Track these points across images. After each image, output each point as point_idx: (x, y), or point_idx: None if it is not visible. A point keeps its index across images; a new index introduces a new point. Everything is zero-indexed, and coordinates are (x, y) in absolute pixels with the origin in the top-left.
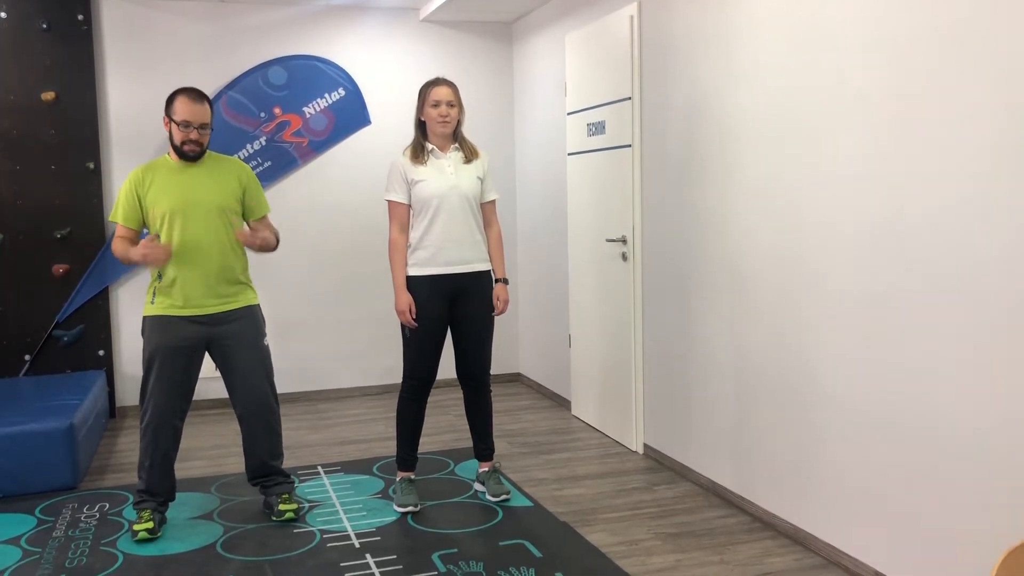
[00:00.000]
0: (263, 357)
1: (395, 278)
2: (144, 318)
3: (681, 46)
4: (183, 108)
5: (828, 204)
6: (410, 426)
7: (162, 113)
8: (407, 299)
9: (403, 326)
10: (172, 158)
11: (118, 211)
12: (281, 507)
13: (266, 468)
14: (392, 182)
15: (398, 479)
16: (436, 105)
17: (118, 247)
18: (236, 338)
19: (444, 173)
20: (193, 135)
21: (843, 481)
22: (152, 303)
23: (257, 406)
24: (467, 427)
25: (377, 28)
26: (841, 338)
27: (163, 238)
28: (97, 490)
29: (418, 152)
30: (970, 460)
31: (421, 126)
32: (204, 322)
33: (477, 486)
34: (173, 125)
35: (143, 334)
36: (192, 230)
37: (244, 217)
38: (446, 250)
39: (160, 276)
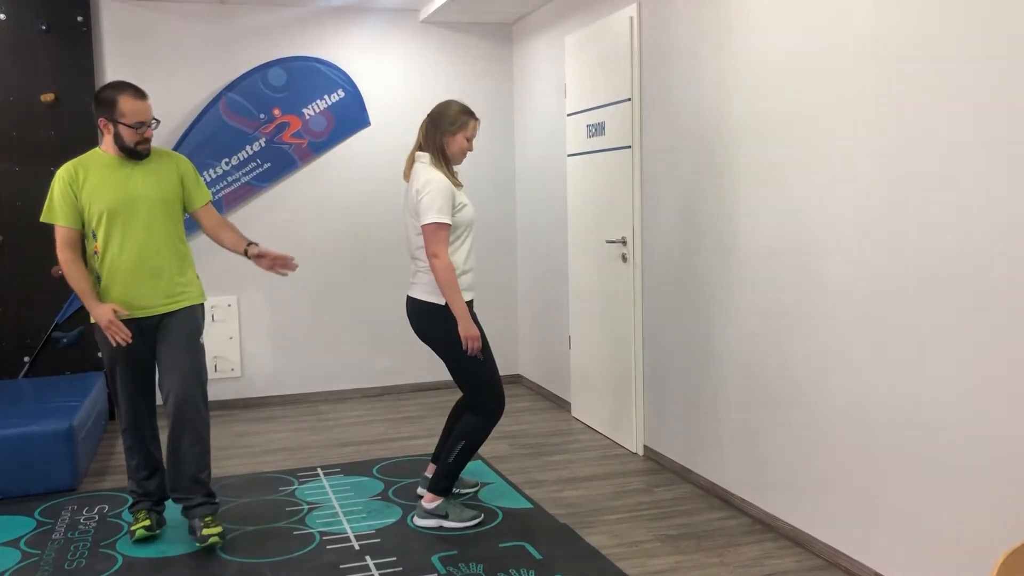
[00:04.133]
0: (197, 356)
1: (461, 306)
2: (93, 325)
3: (681, 47)
4: (134, 108)
5: (828, 204)
6: (473, 455)
7: (160, 114)
8: (475, 326)
9: (474, 357)
10: (108, 153)
11: (54, 212)
12: (205, 531)
13: (186, 481)
14: (446, 203)
15: (441, 502)
16: (469, 139)
17: (73, 270)
18: (173, 333)
19: (470, 198)
20: (148, 134)
21: (843, 482)
22: None
23: (185, 406)
24: None
25: (377, 29)
26: (841, 339)
27: (100, 238)
28: (96, 492)
29: (451, 175)
30: (970, 461)
31: (441, 149)
32: (152, 323)
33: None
34: (122, 127)
35: (97, 339)
36: (134, 229)
37: (185, 209)
38: (477, 274)
39: (99, 278)
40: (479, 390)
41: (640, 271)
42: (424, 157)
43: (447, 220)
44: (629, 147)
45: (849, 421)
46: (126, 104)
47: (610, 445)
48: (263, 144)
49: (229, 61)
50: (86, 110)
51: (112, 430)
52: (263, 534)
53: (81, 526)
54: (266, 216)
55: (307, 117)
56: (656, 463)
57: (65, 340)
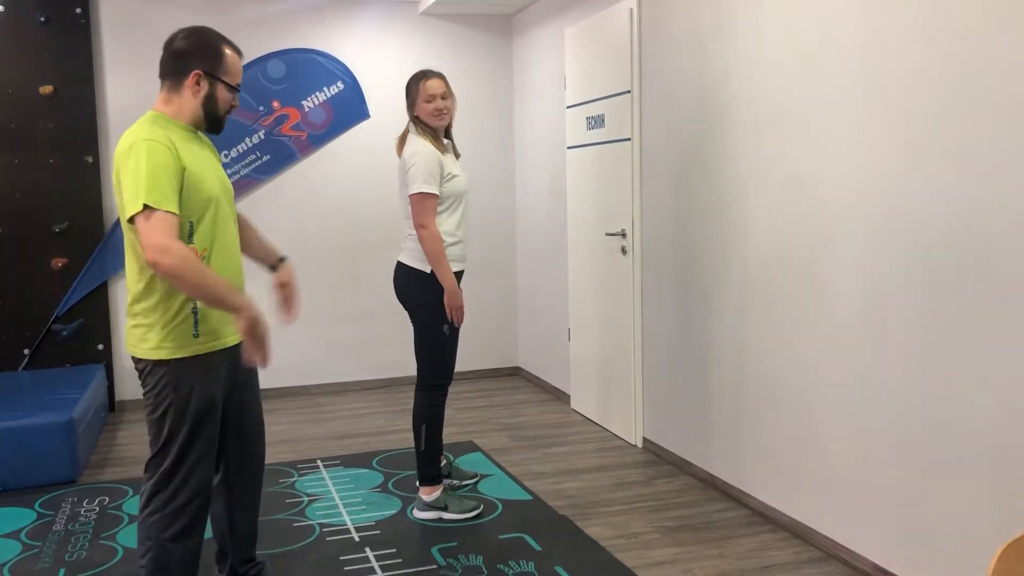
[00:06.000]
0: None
1: (448, 275)
2: (182, 360)
3: (681, 39)
4: (237, 67)
5: (827, 198)
6: (441, 433)
7: None
8: (461, 295)
9: (439, 327)
10: (179, 122)
11: (164, 194)
12: None
13: (248, 553)
14: (430, 174)
15: (439, 494)
16: (431, 100)
17: (203, 266)
18: (251, 375)
19: (462, 167)
20: (237, 102)
21: (842, 474)
22: (196, 336)
23: (258, 465)
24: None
25: (376, 21)
26: (840, 332)
27: (204, 237)
28: (97, 484)
29: (438, 143)
30: (969, 453)
31: (416, 119)
32: (232, 355)
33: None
34: (222, 87)
35: (172, 380)
36: (230, 226)
37: None
38: (467, 245)
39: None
40: (435, 363)
41: (639, 263)
42: (413, 127)
43: (433, 190)
44: (629, 139)
45: (848, 413)
46: (231, 59)
47: (609, 437)
48: (262, 136)
49: None
50: (85, 102)
51: (112, 422)
52: (263, 526)
53: (82, 518)
54: (266, 209)
55: (306, 109)
56: (655, 455)
57: (65, 332)
